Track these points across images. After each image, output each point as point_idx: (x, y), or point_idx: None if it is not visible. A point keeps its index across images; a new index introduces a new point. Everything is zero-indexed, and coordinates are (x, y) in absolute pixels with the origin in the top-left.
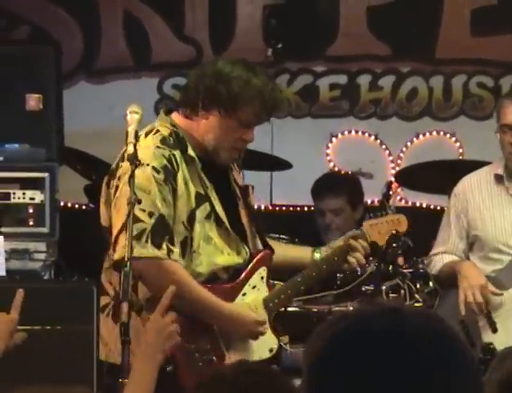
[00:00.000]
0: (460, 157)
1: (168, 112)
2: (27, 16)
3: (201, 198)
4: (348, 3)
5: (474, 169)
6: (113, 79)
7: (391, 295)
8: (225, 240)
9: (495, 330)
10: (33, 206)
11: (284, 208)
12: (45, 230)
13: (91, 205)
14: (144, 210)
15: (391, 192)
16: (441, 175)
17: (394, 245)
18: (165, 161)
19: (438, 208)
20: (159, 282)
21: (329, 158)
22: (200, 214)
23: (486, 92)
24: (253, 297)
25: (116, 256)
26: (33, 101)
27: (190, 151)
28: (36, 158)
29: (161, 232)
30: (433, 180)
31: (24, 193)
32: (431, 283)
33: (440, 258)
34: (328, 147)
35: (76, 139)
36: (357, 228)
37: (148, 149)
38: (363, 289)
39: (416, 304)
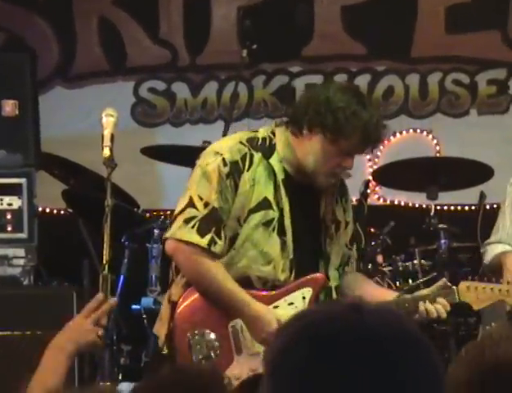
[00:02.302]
0: (438, 154)
1: (281, 124)
2: (2, 24)
3: (267, 203)
4: (323, 4)
5: (452, 165)
6: (89, 83)
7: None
8: (276, 252)
9: None
10: (11, 212)
11: None
12: (23, 236)
13: (69, 210)
14: (201, 199)
15: (368, 191)
16: (418, 173)
17: (373, 243)
18: (238, 157)
19: (417, 205)
20: (189, 273)
21: None
22: (258, 217)
23: (462, 90)
24: (285, 312)
25: (167, 234)
26: (8, 107)
27: (273, 161)
28: (13, 164)
29: (210, 223)
30: (410, 178)
31: (1, 199)
32: (410, 281)
33: (492, 248)
34: None
35: (53, 144)
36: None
37: (231, 141)
38: None
39: None
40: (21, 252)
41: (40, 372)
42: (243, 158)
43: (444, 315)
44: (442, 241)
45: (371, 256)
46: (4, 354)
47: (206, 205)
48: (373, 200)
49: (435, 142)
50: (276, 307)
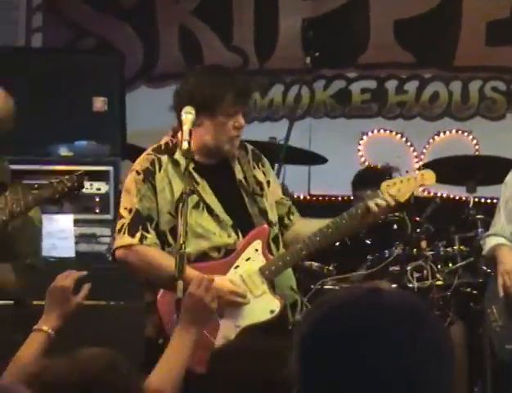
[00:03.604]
0: (476, 153)
1: (175, 128)
2: (93, 29)
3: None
4: (378, 17)
5: (489, 163)
6: (169, 83)
7: (415, 274)
8: (216, 224)
9: None
10: (99, 196)
11: (320, 198)
12: (109, 217)
13: None
14: (126, 208)
15: None
16: (459, 169)
17: (418, 230)
18: (147, 165)
19: (457, 198)
20: (137, 265)
21: (360, 154)
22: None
23: (499, 96)
24: (246, 268)
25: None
26: (99, 104)
27: (177, 156)
28: (101, 154)
29: (136, 223)
30: (452, 173)
31: (91, 184)
32: (450, 264)
33: (489, 240)
34: (359, 144)
35: (137, 137)
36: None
37: (140, 157)
38: (390, 269)
39: (438, 282)
40: (107, 231)
41: (165, 361)
42: (152, 163)
43: (392, 203)
44: (479, 229)
45: (416, 242)
46: (89, 321)
47: (130, 211)
48: (419, 192)
49: (474, 142)
50: (237, 267)
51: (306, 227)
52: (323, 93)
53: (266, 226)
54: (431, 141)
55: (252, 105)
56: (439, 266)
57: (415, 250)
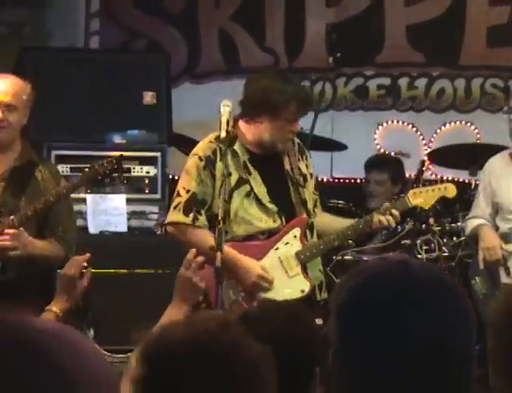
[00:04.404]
0: (478, 141)
1: (237, 120)
2: (144, 32)
3: (242, 181)
4: (392, 22)
5: (489, 150)
6: (210, 80)
7: (424, 247)
8: (263, 212)
9: (509, 274)
10: (148, 178)
11: (341, 180)
12: (157, 196)
13: None
14: (184, 188)
15: (424, 168)
16: (462, 155)
17: (394, 197)
18: (209, 153)
19: (460, 180)
20: (185, 241)
21: (376, 142)
22: (239, 192)
23: (498, 91)
24: (284, 250)
25: (166, 221)
26: (148, 97)
27: (236, 147)
28: (151, 141)
29: (191, 205)
30: (456, 159)
31: (141, 168)
32: (454, 238)
33: (470, 222)
34: (375, 133)
35: (181, 127)
36: (396, 199)
37: (203, 143)
38: (402, 243)
39: (444, 254)
40: (155, 209)
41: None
42: (214, 152)
43: (393, 224)
44: None
45: (425, 219)
46: (139, 288)
47: (188, 192)
48: (427, 175)
49: (476, 131)
50: (276, 249)
51: (332, 223)
52: (344, 89)
53: (305, 216)
54: (438, 131)
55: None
56: (445, 240)
57: (424, 225)
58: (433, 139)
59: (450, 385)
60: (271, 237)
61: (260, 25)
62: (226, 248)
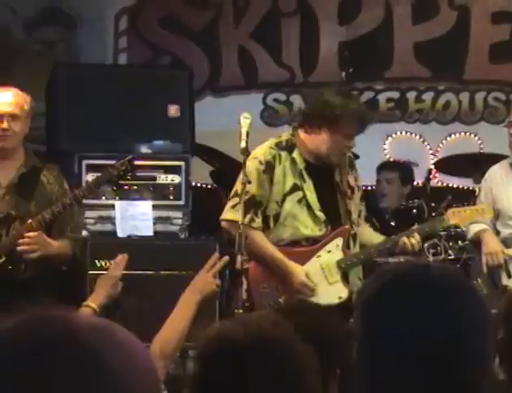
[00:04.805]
0: (481, 151)
1: (296, 128)
2: (168, 49)
3: (296, 187)
4: (400, 40)
5: (491, 160)
6: (231, 94)
7: (431, 250)
8: (312, 219)
9: (510, 276)
10: (173, 186)
11: None
12: (181, 203)
13: (214, 186)
14: (243, 189)
15: (431, 176)
16: (467, 164)
17: (433, 214)
18: (270, 158)
19: (465, 187)
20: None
21: (385, 151)
22: (292, 198)
23: (500, 104)
24: (326, 258)
25: (221, 217)
26: (173, 110)
27: (295, 155)
28: (175, 151)
29: (249, 206)
30: (461, 167)
31: (166, 176)
32: (459, 242)
33: (473, 227)
34: (385, 144)
35: (204, 138)
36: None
37: (264, 147)
38: None
39: (449, 257)
40: (179, 214)
41: (174, 315)
42: (273, 158)
43: (416, 248)
44: None
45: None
46: (164, 288)
47: (247, 193)
48: (434, 183)
49: (479, 142)
50: (319, 256)
51: (371, 237)
52: None
53: (348, 227)
54: (444, 141)
55: (298, 111)
56: (450, 243)
57: None
58: (439, 149)
59: (466, 378)
60: (314, 244)
61: (277, 43)
62: (276, 251)
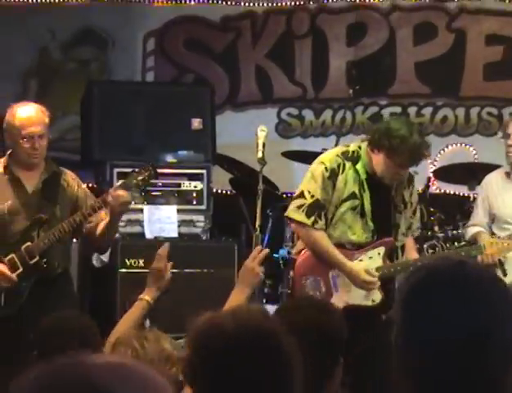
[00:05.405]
0: (475, 161)
1: (364, 142)
2: (192, 68)
3: (354, 195)
4: (402, 59)
5: (485, 169)
6: (248, 108)
7: (430, 251)
8: (361, 226)
9: (505, 274)
10: (196, 192)
11: None
12: (203, 207)
13: (233, 192)
14: (309, 192)
15: (430, 184)
16: (462, 172)
17: (432, 218)
18: (335, 165)
19: (461, 194)
20: (304, 239)
21: None
22: (348, 205)
23: (493, 118)
24: (366, 263)
25: (286, 213)
26: (196, 123)
27: (358, 166)
28: (198, 160)
29: (314, 209)
30: (457, 176)
31: (190, 183)
32: (456, 243)
33: (470, 229)
34: None
35: (224, 148)
36: (472, 245)
37: (331, 154)
38: None
39: None
40: (201, 218)
41: (226, 305)
42: (338, 166)
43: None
44: None
45: (430, 226)
46: (188, 284)
47: (312, 196)
48: (432, 190)
49: (474, 152)
50: (360, 260)
51: (409, 250)
52: (362, 116)
53: (391, 239)
54: (442, 152)
55: (309, 124)
56: (448, 244)
57: (429, 232)
58: (437, 159)
59: (495, 367)
60: (358, 249)
61: (290, 62)
62: (336, 251)
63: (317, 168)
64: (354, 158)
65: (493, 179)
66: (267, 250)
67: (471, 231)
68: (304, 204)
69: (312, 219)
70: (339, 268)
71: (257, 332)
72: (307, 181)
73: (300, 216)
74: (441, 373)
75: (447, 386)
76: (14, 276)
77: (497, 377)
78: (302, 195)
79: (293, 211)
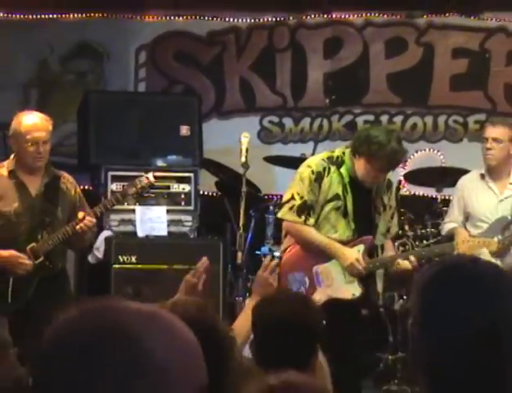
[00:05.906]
0: (442, 165)
1: (347, 148)
2: (181, 79)
3: (337, 197)
4: (375, 71)
5: (451, 172)
6: (233, 117)
7: (401, 248)
8: (343, 225)
9: None
10: (184, 194)
11: None
12: (191, 208)
13: (219, 193)
14: (298, 194)
15: (400, 186)
16: (430, 176)
17: (402, 218)
18: (321, 169)
19: (429, 196)
20: (296, 236)
21: None
22: (331, 205)
23: (458, 126)
24: None
25: (279, 215)
26: (184, 130)
27: (342, 170)
28: (186, 164)
29: (303, 209)
30: (425, 178)
31: (178, 185)
32: (424, 241)
33: (447, 225)
34: None
35: (210, 153)
36: (445, 242)
37: (317, 158)
38: None
39: None
40: (189, 218)
41: (238, 322)
42: (323, 170)
43: (409, 267)
44: (444, 217)
45: (401, 226)
46: (177, 279)
47: (301, 198)
48: (403, 191)
49: (441, 157)
50: None
51: (385, 251)
52: (337, 124)
53: (371, 237)
54: (412, 156)
55: (289, 131)
56: (417, 242)
57: (400, 231)
58: (407, 163)
59: (506, 362)
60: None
61: (272, 74)
62: (328, 239)
63: (304, 171)
64: (338, 162)
65: (468, 180)
66: (277, 261)
67: (448, 226)
68: (294, 205)
69: (303, 217)
70: (332, 252)
71: (192, 323)
72: (296, 183)
73: (292, 216)
74: (452, 369)
75: (458, 380)
76: (31, 263)
77: (508, 372)
78: (292, 197)
79: (285, 213)
